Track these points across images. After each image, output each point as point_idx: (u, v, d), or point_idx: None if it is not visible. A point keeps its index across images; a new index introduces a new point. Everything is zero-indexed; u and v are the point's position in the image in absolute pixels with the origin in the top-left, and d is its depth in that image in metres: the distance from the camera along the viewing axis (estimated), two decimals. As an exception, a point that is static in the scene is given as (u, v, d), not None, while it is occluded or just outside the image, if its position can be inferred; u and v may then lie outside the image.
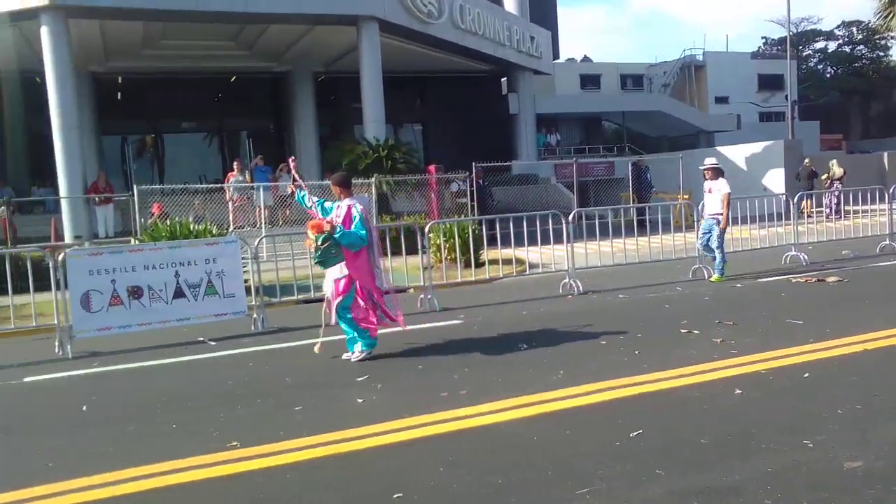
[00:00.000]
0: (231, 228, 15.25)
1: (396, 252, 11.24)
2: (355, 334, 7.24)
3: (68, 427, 5.63)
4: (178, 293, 8.78)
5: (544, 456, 4.43)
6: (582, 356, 6.90)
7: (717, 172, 11.22)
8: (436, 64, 26.57)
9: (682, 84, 45.66)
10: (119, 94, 26.85)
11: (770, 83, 46.68)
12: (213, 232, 12.41)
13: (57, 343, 8.37)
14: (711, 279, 11.15)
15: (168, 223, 12.63)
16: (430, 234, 11.38)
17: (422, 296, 10.28)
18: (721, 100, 45.58)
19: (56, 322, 8.49)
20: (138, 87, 26.34)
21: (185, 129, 29.20)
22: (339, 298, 7.13)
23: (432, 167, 19.09)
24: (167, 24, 20.72)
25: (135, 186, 15.13)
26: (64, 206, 17.75)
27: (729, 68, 45.77)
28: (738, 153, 25.13)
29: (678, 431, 4.75)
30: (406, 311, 9.82)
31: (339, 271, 7.14)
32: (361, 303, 7.14)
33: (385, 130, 20.60)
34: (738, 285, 10.66)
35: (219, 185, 17.91)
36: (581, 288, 10.74)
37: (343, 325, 7.27)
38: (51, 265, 8.52)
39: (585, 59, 52.94)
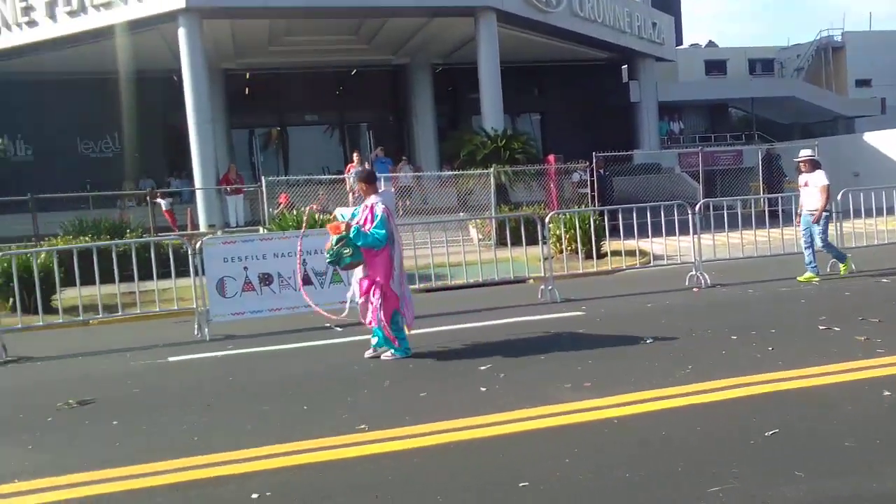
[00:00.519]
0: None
1: (516, 242, 11.20)
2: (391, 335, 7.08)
3: (211, 404, 5.95)
4: (306, 280, 9.10)
5: (673, 451, 4.30)
6: (711, 351, 6.63)
7: (814, 164, 10.45)
8: (554, 53, 26.27)
9: (817, 67, 42.94)
10: (247, 89, 28.11)
11: (922, 64, 43.10)
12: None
13: (196, 326, 8.88)
14: (840, 272, 10.50)
15: (294, 213, 13.12)
16: (550, 225, 11.28)
17: (542, 286, 10.20)
18: (862, 83, 42.48)
19: (195, 306, 9.01)
20: (265, 83, 27.49)
21: (308, 121, 30.22)
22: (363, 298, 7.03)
23: (551, 157, 18.88)
24: (291, 21, 21.49)
25: (262, 178, 15.82)
26: (199, 196, 18.81)
27: (872, 49, 42.55)
28: (883, 139, 23.41)
29: (819, 433, 4.48)
30: (526, 301, 9.87)
31: (361, 271, 7.07)
32: (373, 301, 6.92)
33: (503, 121, 20.58)
34: (885, 280, 9.95)
35: (340, 177, 18.44)
36: (709, 281, 10.34)
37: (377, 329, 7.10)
38: (189, 253, 9.05)
39: (710, 44, 50.74)
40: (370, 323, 7.07)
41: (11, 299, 10.00)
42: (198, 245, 9.00)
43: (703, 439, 4.49)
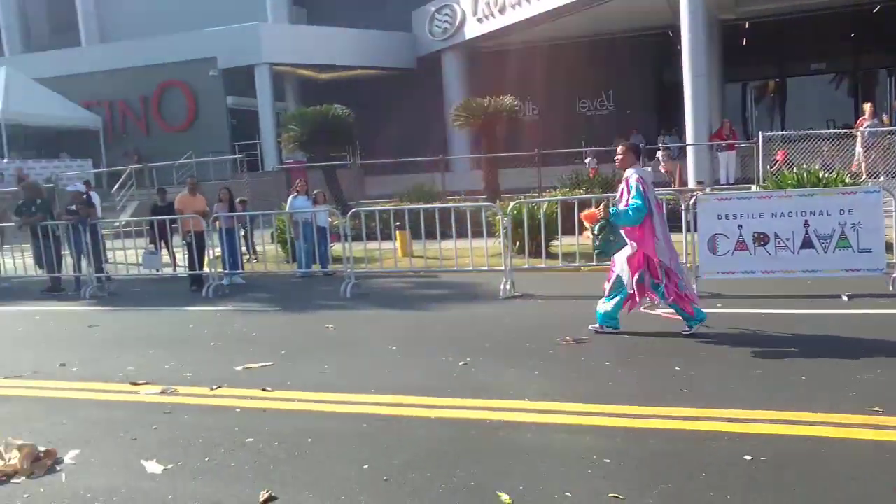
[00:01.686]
0: (863, 178, 13.82)
1: None
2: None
3: (697, 360, 5.84)
4: (807, 243, 8.32)
5: None
6: None
7: None
8: None
9: None
10: (744, 39, 26.69)
11: None
12: (847, 181, 11.40)
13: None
14: None
15: (795, 171, 12.10)
16: None
17: None
18: None
19: (684, 261, 8.95)
20: (764, 32, 25.70)
21: (812, 70, 27.50)
22: (636, 275, 6.51)
23: None
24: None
25: (759, 133, 14.90)
26: (689, 152, 18.65)
27: None
28: None
29: None
30: None
31: (629, 249, 6.57)
32: (657, 279, 6.46)
33: None
34: None
35: (849, 131, 16.39)
36: None
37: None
38: (682, 208, 8.99)
39: None
40: (657, 302, 6.85)
41: (518, 243, 11.30)
42: (692, 200, 8.90)
43: None
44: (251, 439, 4.58)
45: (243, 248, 14.26)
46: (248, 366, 6.39)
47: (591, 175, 16.92)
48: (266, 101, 27.12)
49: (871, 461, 3.81)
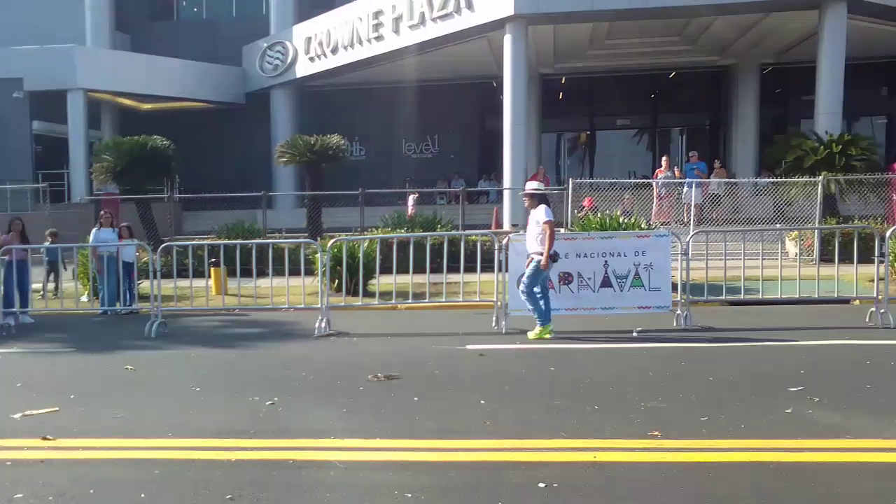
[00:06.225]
0: (655, 224, 15.11)
1: (845, 260, 9.91)
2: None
3: (504, 392, 6.07)
4: (606, 282, 8.95)
5: None
6: None
7: (537, 199, 8.58)
8: (908, 46, 22.85)
9: None
10: (561, 93, 28.61)
11: None
12: (642, 226, 12.41)
13: (494, 318, 9.17)
14: (528, 335, 8.38)
15: (598, 216, 13.00)
16: (891, 241, 9.78)
17: (872, 309, 8.90)
18: None
19: (495, 300, 9.31)
20: (579, 87, 27.73)
21: (619, 125, 29.91)
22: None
23: (896, 165, 16.46)
24: (614, 24, 21.29)
25: (570, 180, 15.91)
26: (506, 196, 19.52)
27: None
28: None
29: None
30: (851, 324, 8.69)
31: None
32: None
33: (840, 124, 18.38)
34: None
35: (647, 181, 17.92)
36: None
37: None
38: (496, 248, 9.37)
39: None
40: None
41: (337, 281, 11.25)
42: (504, 241, 9.29)
43: None
44: (20, 495, 4.14)
45: (50, 284, 13.31)
46: (28, 412, 5.81)
47: (409, 215, 17.24)
48: (78, 128, 25.31)
49: (648, 479, 4.09)
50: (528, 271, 8.48)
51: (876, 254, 9.29)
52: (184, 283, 10.82)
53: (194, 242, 12.26)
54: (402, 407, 5.71)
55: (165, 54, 26.93)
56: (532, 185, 9.24)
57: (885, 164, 17.99)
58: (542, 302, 8.45)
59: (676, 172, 18.48)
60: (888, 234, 9.58)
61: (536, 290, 8.43)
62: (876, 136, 24.18)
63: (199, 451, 4.75)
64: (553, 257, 8.35)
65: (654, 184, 16.93)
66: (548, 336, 8.32)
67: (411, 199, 19.76)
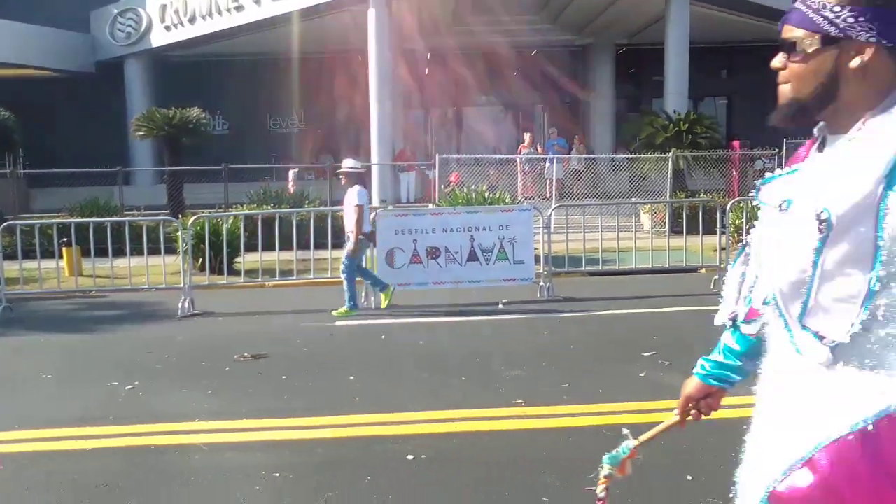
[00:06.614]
0: (521, 199, 15.59)
1: (693, 231, 10.64)
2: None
3: (371, 368, 6.12)
4: (472, 256, 9.15)
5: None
6: None
7: (353, 178, 8.70)
8: (745, 32, 24.57)
9: None
10: (426, 70, 28.70)
11: None
12: (507, 200, 12.76)
13: (363, 294, 9.18)
14: (334, 312, 8.42)
15: (465, 191, 13.25)
16: (731, 213, 10.59)
17: (715, 277, 9.62)
18: None
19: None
20: (443, 64, 27.89)
21: (483, 103, 30.41)
22: None
23: (736, 143, 17.76)
24: (477, 0, 21.57)
25: (436, 156, 16.08)
26: (374, 171, 19.46)
27: None
28: None
29: None
30: (698, 291, 9.34)
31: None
32: None
33: (686, 104, 19.61)
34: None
35: (511, 157, 18.39)
36: None
37: None
38: (363, 223, 9.34)
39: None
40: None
41: (201, 259, 10.88)
42: (372, 216, 9.28)
43: None
44: None
45: None
46: None
47: (290, 191, 16.94)
48: None
49: (516, 445, 4.28)
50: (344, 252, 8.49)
51: (718, 225, 10.04)
52: (31, 264, 10.11)
53: (42, 221, 11.43)
54: (270, 386, 5.64)
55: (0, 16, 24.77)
56: (349, 164, 8.90)
57: (726, 142, 19.32)
58: (368, 279, 8.80)
59: (539, 149, 19.05)
60: (728, 206, 10.37)
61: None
62: (718, 116, 25.98)
63: (52, 443, 4.51)
64: (369, 236, 8.57)
65: (517, 160, 17.40)
66: (354, 314, 8.34)
67: (291, 175, 19.34)
